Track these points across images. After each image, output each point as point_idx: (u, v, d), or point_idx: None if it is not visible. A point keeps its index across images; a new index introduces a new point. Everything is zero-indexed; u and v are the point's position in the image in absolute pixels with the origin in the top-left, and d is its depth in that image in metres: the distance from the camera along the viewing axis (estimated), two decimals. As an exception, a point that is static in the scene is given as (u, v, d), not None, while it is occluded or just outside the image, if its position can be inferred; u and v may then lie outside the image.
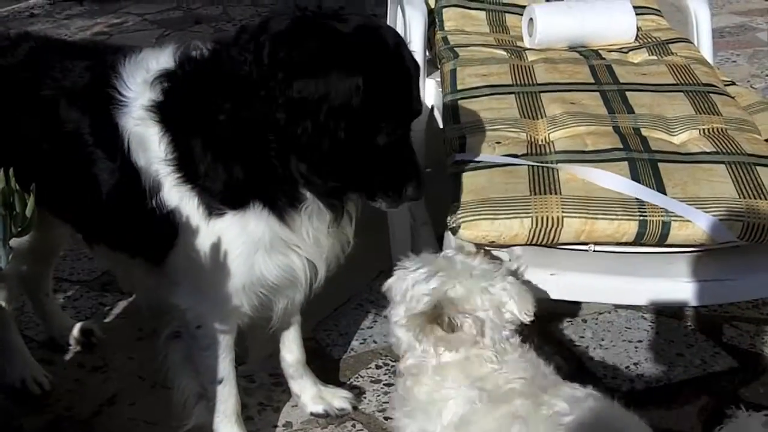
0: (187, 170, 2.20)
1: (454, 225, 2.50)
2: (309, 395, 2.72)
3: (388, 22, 4.01)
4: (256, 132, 2.12)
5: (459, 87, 3.10)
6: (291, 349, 2.70)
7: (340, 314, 3.11)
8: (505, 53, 3.35)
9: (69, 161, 2.35)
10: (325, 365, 2.87)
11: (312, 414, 2.70)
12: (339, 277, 3.25)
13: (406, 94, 2.16)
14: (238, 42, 2.17)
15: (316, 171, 2.13)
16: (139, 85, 2.27)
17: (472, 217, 2.48)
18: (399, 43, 2.18)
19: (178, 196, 2.22)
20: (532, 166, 2.62)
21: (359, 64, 2.07)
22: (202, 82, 2.20)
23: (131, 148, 2.25)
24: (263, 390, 2.80)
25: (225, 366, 2.41)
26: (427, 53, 3.49)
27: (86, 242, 2.54)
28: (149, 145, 2.23)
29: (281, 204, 2.21)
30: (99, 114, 2.29)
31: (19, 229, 2.01)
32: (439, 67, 3.36)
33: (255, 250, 2.24)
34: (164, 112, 2.22)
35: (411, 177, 2.21)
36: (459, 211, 2.51)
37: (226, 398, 2.45)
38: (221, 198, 2.20)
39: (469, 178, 2.63)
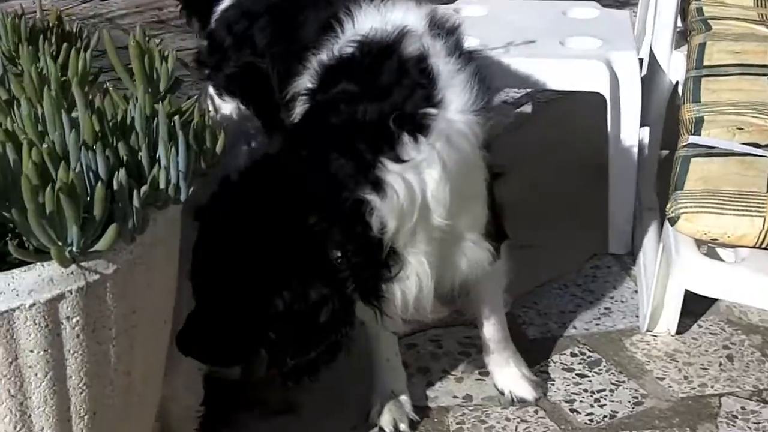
0: None
1: (672, 215, 2.27)
2: (497, 371, 2.57)
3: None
4: None
5: (705, 63, 2.82)
6: (489, 317, 2.54)
7: (542, 292, 2.94)
8: (767, 30, 3.03)
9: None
10: (516, 342, 2.69)
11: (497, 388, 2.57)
12: (546, 253, 3.10)
13: None
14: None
15: None
16: (358, 30, 2.17)
17: (694, 208, 2.24)
18: None
19: None
20: (776, 160, 2.34)
21: None
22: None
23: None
24: (449, 358, 2.68)
25: None
26: (679, 24, 3.22)
27: None
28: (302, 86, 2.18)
29: None
30: (316, 40, 2.23)
31: (208, 165, 1.97)
32: (687, 39, 3.08)
33: None
34: (329, 73, 2.11)
35: None
36: (681, 200, 2.27)
37: (374, 337, 2.43)
38: None
39: (699, 165, 2.38)
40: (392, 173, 1.94)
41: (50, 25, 2.09)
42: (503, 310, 2.56)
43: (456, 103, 2.05)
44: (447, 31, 2.20)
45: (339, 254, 1.94)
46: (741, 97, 2.62)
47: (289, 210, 1.91)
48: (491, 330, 2.54)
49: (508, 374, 2.57)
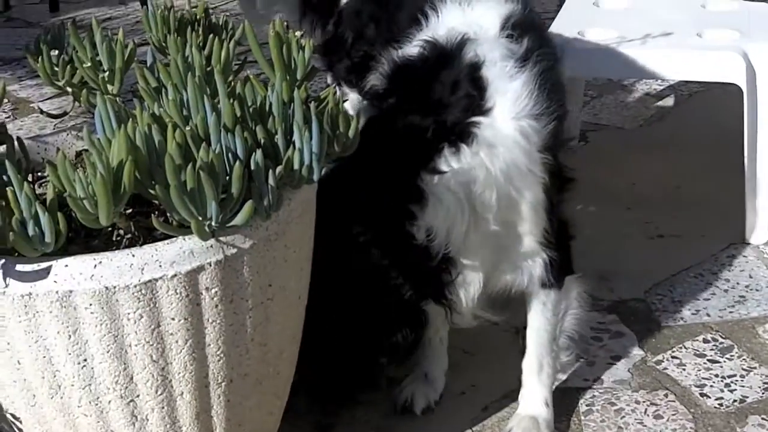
0: None
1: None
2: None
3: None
4: None
5: None
6: (531, 356, 2.43)
7: (676, 280, 2.93)
8: None
9: None
10: (649, 328, 2.73)
11: None
12: (683, 242, 3.10)
13: None
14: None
15: None
16: (437, 26, 2.20)
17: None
18: None
19: None
20: None
21: None
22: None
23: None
24: (582, 343, 2.67)
25: None
26: None
27: None
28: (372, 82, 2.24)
29: None
30: (404, 33, 2.27)
31: (341, 148, 2.06)
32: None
33: None
34: (392, 76, 2.16)
35: None
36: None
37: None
38: None
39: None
40: (432, 185, 2.02)
41: (197, 17, 2.21)
42: (551, 361, 2.41)
43: (507, 109, 2.07)
44: (523, 32, 2.18)
45: (386, 262, 2.03)
46: None
47: (340, 222, 2.05)
48: (529, 366, 2.41)
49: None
